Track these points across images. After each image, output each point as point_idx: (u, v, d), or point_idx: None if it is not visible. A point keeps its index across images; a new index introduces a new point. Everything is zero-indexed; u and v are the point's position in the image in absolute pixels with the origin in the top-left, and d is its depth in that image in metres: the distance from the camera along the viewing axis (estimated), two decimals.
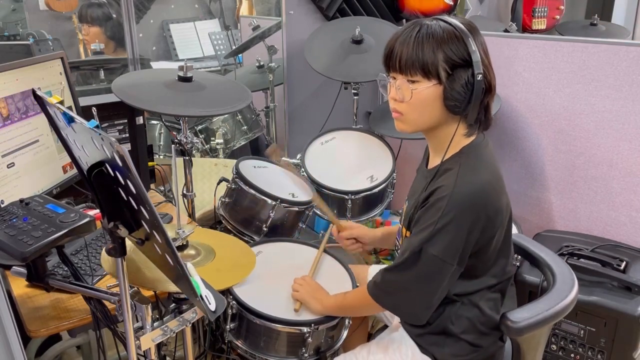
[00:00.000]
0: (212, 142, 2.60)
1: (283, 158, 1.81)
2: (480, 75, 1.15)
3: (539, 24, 3.46)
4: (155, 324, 1.10)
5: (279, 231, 1.86)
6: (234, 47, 3.35)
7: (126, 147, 1.88)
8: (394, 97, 1.23)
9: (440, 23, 1.18)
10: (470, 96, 1.16)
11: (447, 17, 1.20)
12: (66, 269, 1.26)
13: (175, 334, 1.13)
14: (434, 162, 1.29)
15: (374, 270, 1.70)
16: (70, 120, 0.94)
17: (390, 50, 1.21)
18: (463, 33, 1.16)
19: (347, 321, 1.55)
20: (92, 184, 0.96)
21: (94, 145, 0.88)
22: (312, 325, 1.42)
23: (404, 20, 2.99)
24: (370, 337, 1.68)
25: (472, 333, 1.29)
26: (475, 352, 1.30)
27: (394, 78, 1.23)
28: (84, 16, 2.93)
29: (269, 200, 1.80)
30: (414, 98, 1.19)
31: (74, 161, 1.04)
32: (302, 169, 2.16)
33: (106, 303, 1.16)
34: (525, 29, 3.45)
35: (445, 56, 1.15)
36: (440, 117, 1.21)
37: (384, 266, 1.73)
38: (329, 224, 2.37)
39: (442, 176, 1.22)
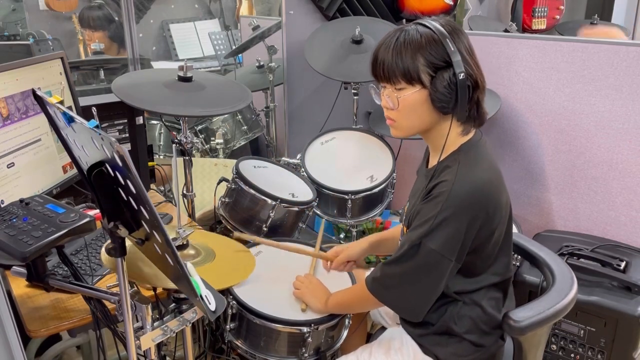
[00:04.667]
0: (212, 142, 2.60)
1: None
2: (462, 74, 1.16)
3: (539, 24, 3.46)
4: (155, 324, 1.10)
5: (279, 231, 1.86)
6: (234, 47, 3.35)
7: (126, 147, 1.88)
8: (385, 105, 1.26)
9: (419, 28, 1.20)
10: (456, 95, 1.17)
11: (427, 21, 1.21)
12: (66, 269, 1.26)
13: (175, 334, 1.13)
14: (433, 161, 1.30)
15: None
16: (70, 120, 0.94)
17: (375, 60, 1.24)
18: (441, 35, 1.17)
19: (347, 321, 1.55)
20: (92, 184, 0.96)
21: (94, 145, 0.88)
22: (312, 325, 1.42)
23: (404, 20, 2.99)
24: (369, 337, 1.67)
25: (474, 333, 1.29)
26: (477, 351, 1.30)
27: (384, 86, 1.25)
28: (86, 20, 2.92)
29: (269, 200, 1.80)
30: (402, 105, 1.22)
31: (74, 161, 1.04)
32: (302, 169, 2.16)
33: (106, 303, 1.16)
34: (525, 29, 3.44)
35: (426, 60, 1.17)
36: (432, 119, 1.23)
37: None
38: (328, 224, 2.37)
39: (441, 173, 1.23)
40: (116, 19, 2.86)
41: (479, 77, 1.21)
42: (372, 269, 1.70)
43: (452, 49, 1.16)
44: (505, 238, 1.28)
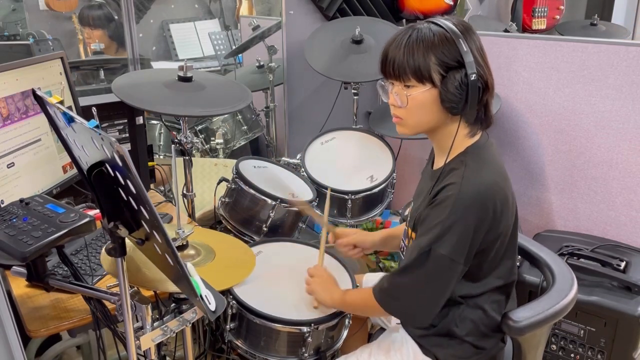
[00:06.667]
0: (212, 142, 2.60)
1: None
2: (474, 75, 1.15)
3: (539, 24, 3.46)
4: (155, 324, 1.10)
5: (279, 231, 1.86)
6: (234, 47, 3.35)
7: (126, 147, 1.88)
8: (392, 103, 1.24)
9: (431, 26, 1.19)
10: (467, 96, 1.16)
11: (439, 19, 1.20)
12: (66, 269, 1.26)
13: (175, 334, 1.14)
14: (439, 162, 1.29)
15: (368, 276, 1.69)
16: (70, 120, 0.94)
17: (385, 57, 1.23)
18: (454, 34, 1.16)
19: (347, 321, 1.55)
20: (92, 184, 0.96)
21: (94, 145, 0.88)
22: (312, 325, 1.42)
23: (404, 20, 2.99)
24: (370, 337, 1.68)
25: (475, 335, 1.28)
26: (478, 354, 1.30)
27: (392, 84, 1.24)
28: (86, 19, 2.93)
29: (269, 200, 1.80)
30: (411, 103, 1.20)
31: (74, 161, 1.04)
32: (302, 169, 2.16)
33: (106, 303, 1.16)
34: (525, 29, 3.45)
35: (438, 59, 1.16)
36: (440, 118, 1.22)
37: (380, 274, 1.72)
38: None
39: (447, 176, 1.22)
40: (116, 17, 2.86)
41: (489, 78, 1.20)
42: (365, 276, 1.69)
43: (465, 49, 1.15)
44: (510, 241, 1.27)
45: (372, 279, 1.66)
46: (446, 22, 1.18)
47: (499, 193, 1.19)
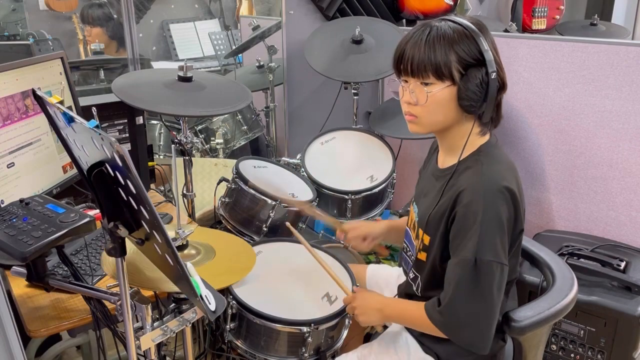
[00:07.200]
0: (212, 142, 2.60)
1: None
2: (494, 74, 1.15)
3: (539, 24, 3.47)
4: (155, 324, 1.10)
5: (279, 231, 1.86)
6: (234, 47, 3.35)
7: (126, 147, 1.88)
8: (407, 100, 1.22)
9: (449, 23, 1.18)
10: (486, 95, 1.16)
11: (455, 17, 1.19)
12: (66, 269, 1.26)
13: (175, 334, 1.14)
14: (448, 161, 1.28)
15: (372, 269, 1.69)
16: (70, 120, 0.94)
17: (401, 54, 1.21)
18: (474, 32, 1.15)
19: (347, 321, 1.55)
20: (92, 184, 0.96)
21: (94, 145, 0.88)
22: (312, 325, 1.42)
23: (404, 20, 2.98)
24: (370, 337, 1.67)
25: None
26: None
27: (406, 81, 1.22)
28: (86, 17, 2.95)
29: (269, 200, 1.80)
30: (430, 101, 1.18)
31: (74, 161, 1.04)
32: (302, 169, 2.16)
33: (106, 303, 1.16)
34: (525, 29, 3.45)
35: (458, 57, 1.15)
36: (455, 117, 1.21)
37: (384, 265, 1.72)
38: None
39: (462, 175, 1.21)
40: (115, 16, 2.87)
41: (505, 77, 1.20)
42: (369, 268, 1.69)
43: (486, 47, 1.14)
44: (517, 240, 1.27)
45: (374, 272, 1.67)
46: (463, 20, 1.18)
47: (517, 189, 1.19)
